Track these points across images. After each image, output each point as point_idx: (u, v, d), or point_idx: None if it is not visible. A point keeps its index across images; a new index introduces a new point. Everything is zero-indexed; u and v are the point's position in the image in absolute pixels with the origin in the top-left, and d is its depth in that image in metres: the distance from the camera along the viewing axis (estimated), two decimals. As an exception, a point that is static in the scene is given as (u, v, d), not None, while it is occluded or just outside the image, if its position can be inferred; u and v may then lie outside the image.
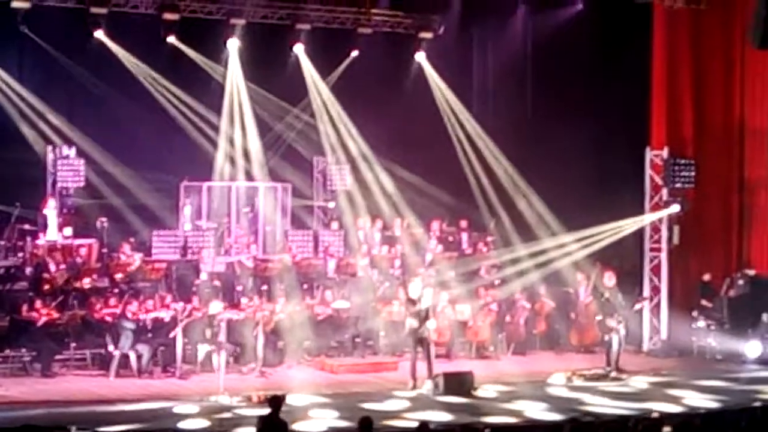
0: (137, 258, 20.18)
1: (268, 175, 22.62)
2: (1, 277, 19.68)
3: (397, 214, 22.76)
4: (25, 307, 18.44)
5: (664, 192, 22.04)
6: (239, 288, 20.36)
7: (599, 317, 19.80)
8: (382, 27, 23.42)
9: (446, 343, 20.40)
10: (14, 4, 20.52)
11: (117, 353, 18.41)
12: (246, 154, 22.53)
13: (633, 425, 12.16)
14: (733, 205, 22.80)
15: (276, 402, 12.48)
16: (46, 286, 19.17)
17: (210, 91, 22.48)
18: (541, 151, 23.01)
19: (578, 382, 18.56)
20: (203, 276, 20.34)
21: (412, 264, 21.50)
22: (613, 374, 18.90)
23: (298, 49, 23.11)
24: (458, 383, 17.59)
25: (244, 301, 19.56)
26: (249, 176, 22.53)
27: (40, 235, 20.52)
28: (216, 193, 22.35)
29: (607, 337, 19.40)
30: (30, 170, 21.03)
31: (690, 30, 22.76)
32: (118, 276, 19.94)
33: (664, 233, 22.02)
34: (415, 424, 13.51)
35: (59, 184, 21.16)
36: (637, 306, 19.73)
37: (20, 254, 20.36)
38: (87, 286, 19.49)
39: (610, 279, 19.84)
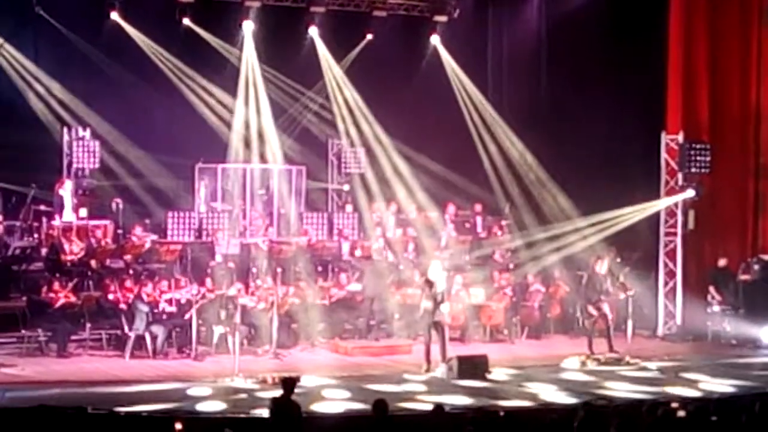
0: (148, 240, 20.25)
1: (283, 157, 22.65)
2: (17, 257, 19.80)
3: (412, 198, 22.76)
4: (44, 289, 18.51)
5: (680, 176, 21.96)
6: (254, 270, 20.40)
7: (582, 302, 19.69)
8: (397, 10, 23.41)
9: (460, 326, 20.40)
10: (30, -14, 20.60)
11: (132, 334, 18.48)
12: (260, 137, 22.55)
13: (647, 409, 12.15)
14: (748, 190, 22.70)
15: (289, 384, 12.48)
16: (67, 261, 19.24)
17: (225, 73, 22.52)
18: (555, 135, 22.99)
19: (592, 365, 18.54)
20: (218, 258, 20.39)
21: (427, 247, 21.50)
22: (603, 359, 18.81)
23: (313, 31, 23.14)
24: (472, 366, 17.58)
25: (258, 283, 19.60)
26: (263, 158, 22.56)
27: (56, 216, 20.60)
28: (231, 175, 22.39)
29: (588, 322, 19.32)
30: (46, 151, 21.15)
31: (707, 13, 22.64)
32: (128, 257, 20.02)
33: (680, 218, 21.96)
34: (430, 408, 13.55)
35: (75, 166, 21.26)
36: (622, 296, 19.64)
37: (36, 235, 20.46)
38: (115, 266, 19.58)
39: (601, 266, 19.67)
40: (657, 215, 22.17)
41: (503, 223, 22.89)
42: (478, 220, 23.05)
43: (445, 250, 21.49)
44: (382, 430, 12.12)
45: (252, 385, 16.51)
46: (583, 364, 18.58)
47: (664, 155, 22.14)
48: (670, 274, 22.04)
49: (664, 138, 22.16)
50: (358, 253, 21.22)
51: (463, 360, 17.66)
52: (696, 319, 21.56)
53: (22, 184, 20.95)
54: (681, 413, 11.94)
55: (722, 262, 21.99)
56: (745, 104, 22.66)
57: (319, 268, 21.26)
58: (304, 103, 23.41)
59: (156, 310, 18.60)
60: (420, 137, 23.13)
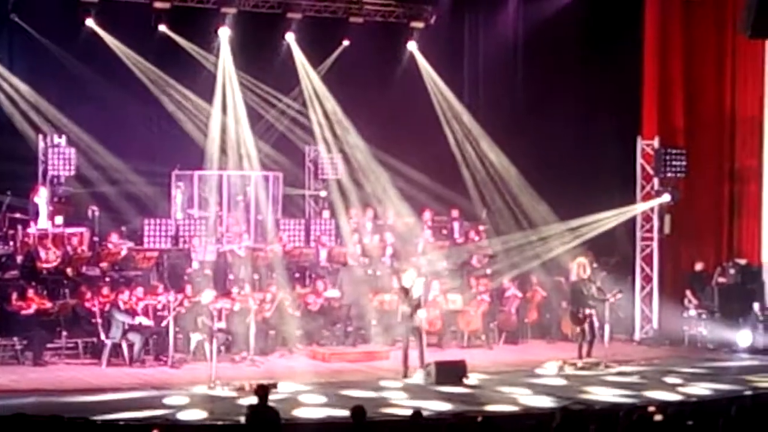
0: (124, 247, 20.19)
1: (260, 163, 22.59)
2: (-9, 265, 19.67)
3: (388, 203, 22.75)
4: (15, 296, 18.41)
5: (656, 181, 22.08)
6: (231, 277, 20.35)
7: (572, 308, 19.67)
8: (374, 16, 23.41)
9: (438, 332, 20.42)
10: (5, -7, 20.49)
11: (109, 342, 18.40)
12: (237, 143, 22.48)
13: (624, 414, 12.18)
14: (724, 195, 22.85)
15: (263, 391, 12.45)
16: (42, 268, 19.16)
17: (201, 80, 22.43)
18: (532, 140, 23.03)
19: (570, 370, 18.58)
20: (195, 265, 20.34)
21: (404, 253, 21.50)
22: (580, 364, 18.83)
23: (290, 38, 23.09)
24: (450, 372, 17.60)
25: (235, 290, 19.55)
26: (240, 165, 22.50)
27: (31, 223, 20.49)
28: (207, 182, 22.33)
29: (578, 328, 19.35)
30: (21, 159, 20.95)
31: (682, 19, 22.78)
32: (104, 265, 19.94)
33: (656, 222, 22.06)
34: (408, 413, 13.54)
35: (50, 173, 21.11)
36: (612, 299, 19.64)
37: (11, 243, 20.34)
38: (90, 274, 19.53)
39: (584, 270, 19.64)
40: (633, 220, 22.27)
41: (480, 228, 22.90)
42: (455, 225, 23.05)
43: (422, 255, 21.49)
44: (360, 436, 12.10)
45: (229, 392, 16.47)
46: (561, 368, 18.61)
47: (639, 160, 22.24)
48: (647, 279, 22.12)
49: (640, 143, 22.26)
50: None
51: (441, 365, 17.67)
52: (672, 323, 21.67)
53: (-4, 191, 20.82)
54: (658, 417, 11.98)
55: (699, 266, 22.11)
56: (721, 109, 22.80)
57: (297, 275, 21.25)
58: (281, 110, 23.36)
59: (132, 322, 18.51)
60: (397, 143, 23.11)
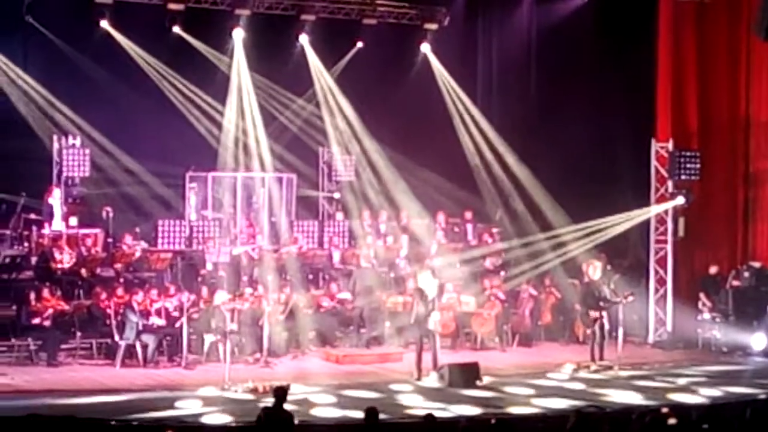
0: (138, 248, 20.24)
1: (274, 165, 22.62)
2: (6, 266, 19.74)
3: (402, 205, 22.75)
4: (32, 297, 18.46)
5: (670, 184, 22.01)
6: (244, 278, 20.37)
7: (583, 310, 19.63)
8: (387, 18, 23.42)
9: (451, 334, 20.40)
10: (20, -6, 20.57)
11: (123, 343, 18.44)
12: (251, 145, 22.52)
13: (638, 417, 12.15)
14: (738, 198, 22.78)
15: (281, 393, 12.46)
16: (57, 269, 19.21)
17: (215, 82, 22.48)
18: (545, 143, 23.02)
19: (584, 373, 18.55)
20: (209, 266, 20.36)
21: (418, 255, 21.49)
22: (594, 366, 18.81)
23: (303, 39, 23.13)
24: (463, 374, 17.59)
25: (248, 291, 19.56)
26: (254, 167, 22.53)
27: (46, 224, 20.56)
28: (221, 184, 22.37)
29: (589, 330, 19.31)
30: (35, 160, 21.08)
31: (696, 22, 22.73)
32: (118, 266, 20.01)
33: (670, 225, 22.00)
34: (420, 416, 13.54)
35: (65, 174, 21.21)
36: (624, 302, 19.53)
37: (26, 244, 20.42)
38: (104, 275, 19.57)
39: (594, 271, 19.57)
40: (647, 223, 22.20)
41: (494, 230, 22.89)
42: (469, 227, 23.04)
43: (436, 257, 21.47)
44: (374, 438, 12.10)
45: (243, 393, 16.48)
46: (575, 371, 18.59)
47: (654, 163, 22.18)
48: (661, 282, 22.06)
49: (654, 145, 22.21)
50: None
51: (454, 368, 17.66)
52: (686, 326, 21.60)
53: (11, 192, 20.89)
54: (672, 420, 11.94)
55: (713, 269, 22.04)
56: (735, 111, 22.74)
57: (310, 277, 21.26)
58: (295, 111, 23.39)
59: (146, 323, 18.56)
60: (410, 145, 23.12)
